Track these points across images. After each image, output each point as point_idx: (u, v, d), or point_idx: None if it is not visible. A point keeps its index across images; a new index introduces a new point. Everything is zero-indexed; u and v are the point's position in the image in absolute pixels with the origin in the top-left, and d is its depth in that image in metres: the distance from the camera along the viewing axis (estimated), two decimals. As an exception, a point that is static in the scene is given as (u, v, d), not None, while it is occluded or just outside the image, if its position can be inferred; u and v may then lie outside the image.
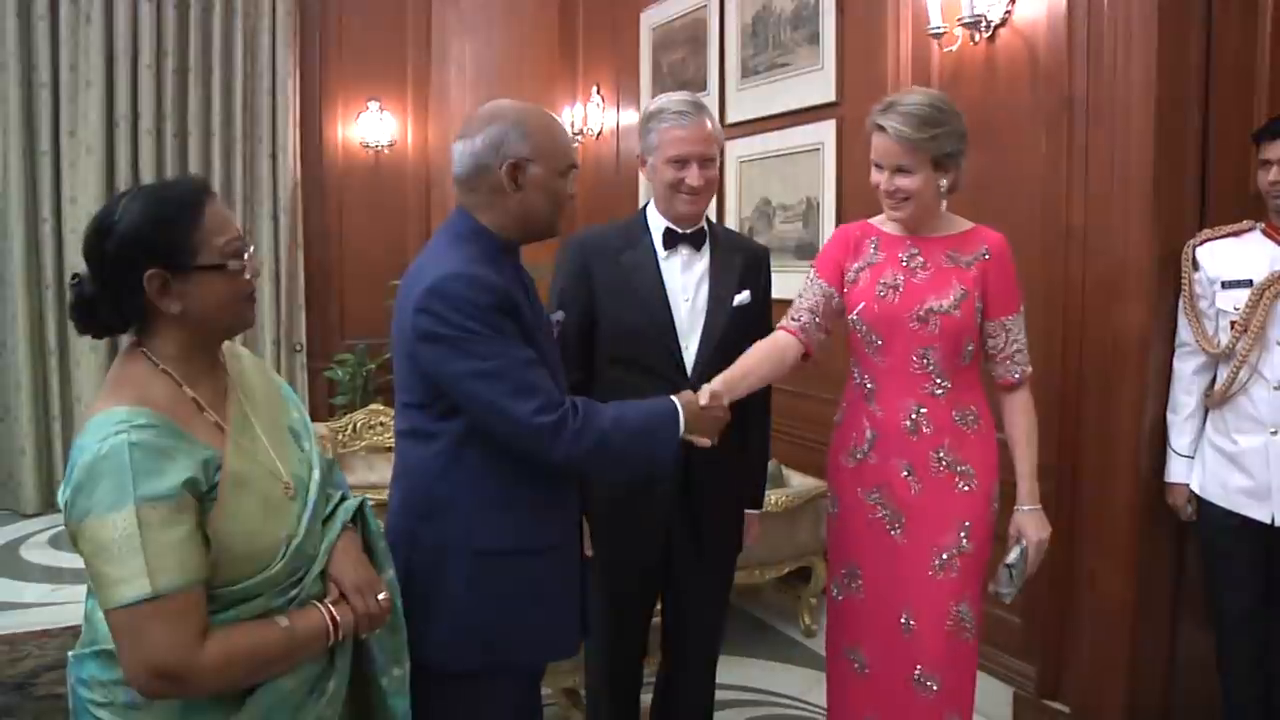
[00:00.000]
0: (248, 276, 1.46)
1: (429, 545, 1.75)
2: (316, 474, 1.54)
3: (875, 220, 2.30)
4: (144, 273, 1.36)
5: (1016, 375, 2.23)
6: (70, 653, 1.43)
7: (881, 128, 2.12)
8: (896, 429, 2.20)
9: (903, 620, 2.19)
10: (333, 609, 1.45)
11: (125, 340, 1.47)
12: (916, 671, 2.16)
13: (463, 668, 1.76)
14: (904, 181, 2.13)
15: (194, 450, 1.34)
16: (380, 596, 1.53)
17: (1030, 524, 2.22)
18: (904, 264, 2.21)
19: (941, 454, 2.18)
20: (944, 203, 2.20)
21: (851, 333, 2.26)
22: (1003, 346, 2.21)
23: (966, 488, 2.18)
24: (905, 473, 2.19)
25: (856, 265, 2.27)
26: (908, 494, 2.19)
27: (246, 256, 1.45)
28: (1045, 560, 2.90)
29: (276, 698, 1.40)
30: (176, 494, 1.29)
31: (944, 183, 2.15)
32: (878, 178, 2.17)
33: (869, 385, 2.26)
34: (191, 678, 1.29)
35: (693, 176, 2.23)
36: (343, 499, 1.63)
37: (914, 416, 2.19)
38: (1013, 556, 2.20)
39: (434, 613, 1.73)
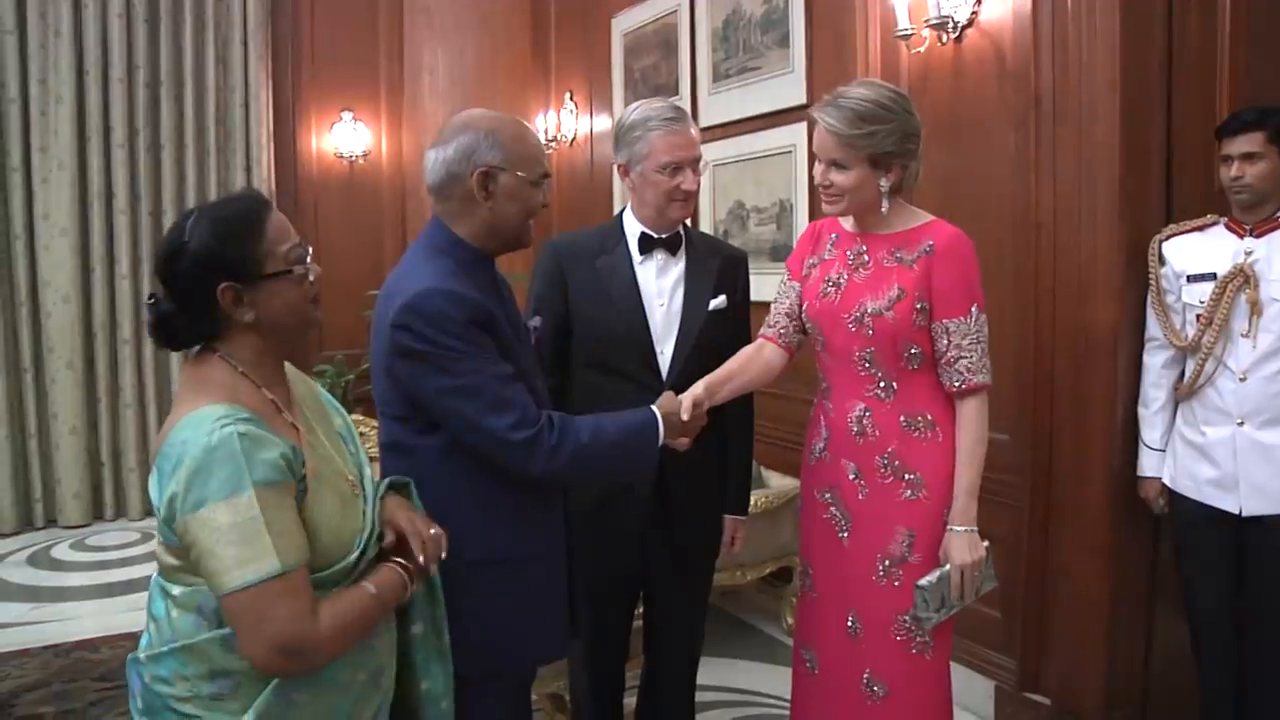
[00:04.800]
0: (311, 279, 1.54)
1: None
2: (367, 470, 1.64)
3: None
4: (217, 287, 1.44)
5: (957, 384, 2.05)
6: (142, 654, 1.46)
7: (819, 119, 2.05)
8: (844, 429, 2.14)
9: (850, 623, 2.14)
10: (403, 560, 1.55)
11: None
12: (865, 675, 2.11)
13: (457, 675, 1.75)
14: (836, 177, 2.05)
15: (283, 445, 1.41)
16: (432, 531, 1.62)
17: (956, 546, 2.04)
18: (850, 262, 2.14)
19: (887, 459, 2.08)
20: (885, 202, 2.07)
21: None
22: (944, 350, 2.05)
23: (913, 496, 2.07)
24: (853, 475, 2.13)
25: (810, 260, 2.24)
26: (855, 497, 2.13)
27: (308, 260, 1.53)
28: (1022, 554, 2.98)
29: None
30: (285, 479, 1.38)
31: (884, 183, 2.04)
32: (816, 170, 2.10)
33: (824, 383, 2.23)
34: (312, 650, 1.36)
35: (688, 181, 2.24)
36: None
37: (860, 418, 2.11)
38: (928, 579, 2.03)
39: None
